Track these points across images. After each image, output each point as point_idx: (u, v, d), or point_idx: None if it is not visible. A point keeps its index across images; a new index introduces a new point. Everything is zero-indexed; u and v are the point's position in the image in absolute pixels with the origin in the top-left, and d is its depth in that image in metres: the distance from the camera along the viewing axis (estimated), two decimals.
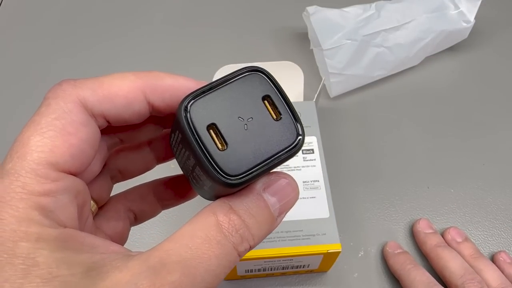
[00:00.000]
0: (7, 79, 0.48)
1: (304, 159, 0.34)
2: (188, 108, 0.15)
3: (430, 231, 0.37)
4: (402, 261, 0.35)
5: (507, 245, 0.38)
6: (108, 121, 0.17)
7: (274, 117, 0.16)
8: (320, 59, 0.45)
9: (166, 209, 0.23)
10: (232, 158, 0.15)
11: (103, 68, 0.49)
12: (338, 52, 0.44)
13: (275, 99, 0.16)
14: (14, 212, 0.14)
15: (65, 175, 0.16)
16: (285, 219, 0.32)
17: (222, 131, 0.15)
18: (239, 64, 0.42)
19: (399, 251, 0.36)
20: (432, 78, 0.48)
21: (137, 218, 0.22)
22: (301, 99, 0.41)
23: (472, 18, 0.47)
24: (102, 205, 0.21)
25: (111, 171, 0.21)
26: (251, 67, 0.17)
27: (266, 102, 0.16)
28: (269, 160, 0.16)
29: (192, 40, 0.51)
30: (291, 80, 0.41)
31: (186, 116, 0.15)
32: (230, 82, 0.16)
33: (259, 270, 0.33)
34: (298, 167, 0.34)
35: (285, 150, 0.16)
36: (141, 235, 0.37)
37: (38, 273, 0.13)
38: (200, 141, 0.15)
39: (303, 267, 0.34)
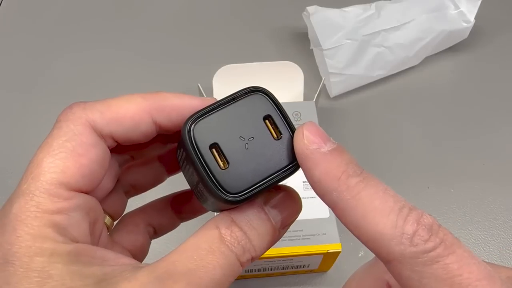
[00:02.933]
0: (7, 79, 0.48)
1: None
2: (192, 128, 0.16)
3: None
4: (342, 167, 0.16)
5: (507, 245, 0.38)
6: (116, 141, 0.18)
7: (275, 136, 0.17)
8: (320, 59, 0.45)
9: (184, 221, 0.24)
10: (233, 177, 0.16)
11: (103, 67, 0.49)
12: (338, 52, 0.44)
13: (276, 118, 0.17)
14: (29, 230, 0.15)
15: (76, 194, 0.16)
16: None
17: (224, 151, 0.16)
18: (239, 64, 0.42)
19: (330, 147, 0.16)
20: (432, 78, 0.48)
21: (157, 232, 0.23)
22: (301, 99, 0.41)
23: (472, 18, 0.47)
24: (122, 220, 0.22)
25: (124, 186, 0.22)
26: (253, 87, 0.17)
27: (267, 121, 0.17)
28: (268, 179, 0.16)
29: (192, 40, 0.51)
30: (291, 80, 0.41)
31: (189, 136, 0.16)
32: (233, 103, 0.17)
33: (259, 270, 0.33)
34: None
35: (285, 169, 0.16)
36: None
37: (52, 285, 0.14)
38: (203, 160, 0.16)
39: (303, 267, 0.34)
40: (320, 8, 0.45)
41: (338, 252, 0.31)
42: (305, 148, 0.16)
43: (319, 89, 0.39)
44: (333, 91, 0.45)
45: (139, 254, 0.22)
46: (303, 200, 0.34)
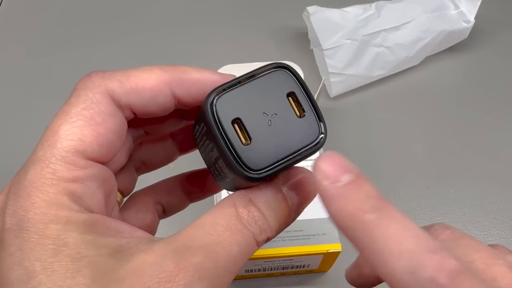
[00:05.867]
0: (7, 79, 0.48)
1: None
2: (214, 102, 0.16)
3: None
4: (357, 203, 0.15)
5: (507, 245, 0.38)
6: (134, 113, 0.18)
7: (298, 114, 0.16)
8: (320, 59, 0.45)
9: (193, 202, 0.24)
10: (255, 153, 0.16)
11: (103, 67, 0.48)
12: (338, 52, 0.44)
13: (299, 96, 0.16)
14: (45, 197, 0.15)
15: (93, 163, 0.16)
16: None
17: (246, 126, 0.16)
18: (239, 64, 0.42)
19: (346, 180, 0.15)
20: (432, 78, 0.48)
21: (166, 211, 0.23)
22: None
23: (472, 18, 0.47)
24: (131, 198, 0.22)
25: (136, 162, 0.22)
26: (277, 63, 0.17)
27: (290, 99, 0.16)
28: (290, 157, 0.16)
29: (192, 40, 0.51)
30: None
31: (212, 110, 0.16)
32: (256, 78, 0.16)
33: (259, 270, 0.33)
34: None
35: (307, 147, 0.16)
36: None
37: (67, 253, 0.14)
38: (225, 135, 0.15)
39: (303, 267, 0.34)
40: (320, 8, 0.45)
41: (338, 252, 0.31)
42: (319, 184, 0.14)
43: (319, 89, 0.39)
44: (333, 91, 0.45)
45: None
46: None
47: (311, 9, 0.45)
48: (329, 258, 0.32)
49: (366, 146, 0.43)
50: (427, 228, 0.17)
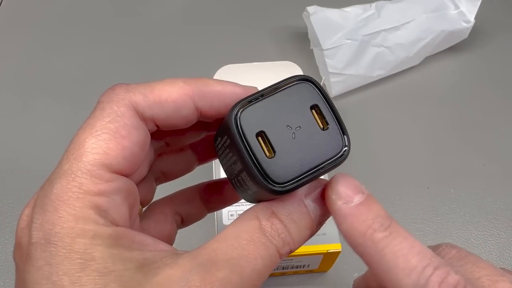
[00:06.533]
0: (7, 79, 0.48)
1: None
2: (239, 115, 0.16)
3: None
4: (368, 222, 0.16)
5: (507, 245, 0.38)
6: (157, 125, 0.18)
7: (321, 126, 0.17)
8: (320, 59, 0.45)
9: (211, 212, 0.24)
10: (279, 166, 0.16)
11: (103, 67, 0.49)
12: (338, 52, 0.44)
13: (323, 108, 0.17)
14: (72, 211, 0.15)
15: (117, 176, 0.16)
16: None
17: (270, 139, 0.16)
18: (239, 64, 0.42)
19: (358, 200, 0.16)
20: (432, 78, 0.48)
21: (184, 221, 0.23)
22: None
23: (472, 18, 0.47)
24: (150, 208, 0.22)
25: (155, 173, 0.22)
26: (300, 76, 0.17)
27: (314, 111, 0.17)
28: (314, 170, 0.16)
29: (192, 40, 0.51)
30: None
31: (236, 123, 0.16)
32: (280, 91, 0.16)
33: None
34: None
35: (331, 160, 0.16)
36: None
37: (94, 267, 0.14)
38: (249, 148, 0.15)
39: (303, 267, 0.34)
40: (320, 8, 0.45)
41: (338, 252, 0.31)
42: (333, 204, 0.16)
43: None
44: (333, 91, 0.45)
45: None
46: None
47: (311, 9, 0.45)
48: (329, 258, 0.32)
49: (366, 146, 0.43)
50: (435, 248, 0.18)
